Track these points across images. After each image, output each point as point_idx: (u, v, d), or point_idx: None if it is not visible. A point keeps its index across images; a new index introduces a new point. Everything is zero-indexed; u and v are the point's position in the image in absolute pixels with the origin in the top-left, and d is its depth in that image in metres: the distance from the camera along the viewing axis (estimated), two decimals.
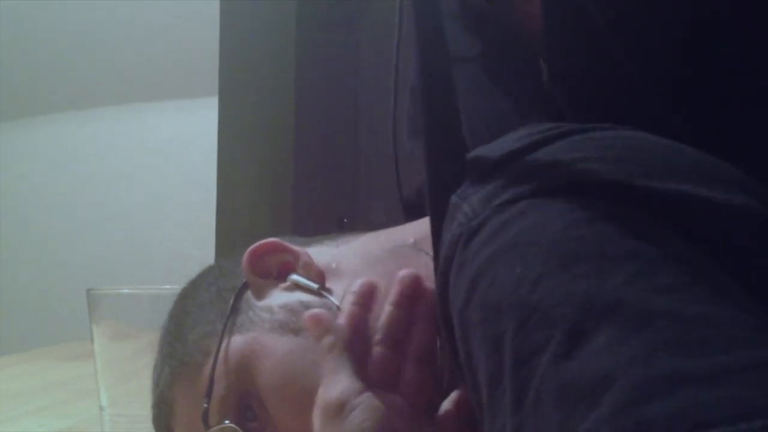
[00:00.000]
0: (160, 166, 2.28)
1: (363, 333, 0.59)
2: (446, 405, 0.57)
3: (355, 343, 0.58)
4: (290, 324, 0.62)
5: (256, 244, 0.67)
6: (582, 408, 0.34)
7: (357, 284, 0.61)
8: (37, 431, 0.97)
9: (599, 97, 0.58)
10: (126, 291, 0.83)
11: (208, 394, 0.63)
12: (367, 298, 0.60)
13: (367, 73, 2.44)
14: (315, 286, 0.64)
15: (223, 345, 0.63)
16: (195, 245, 2.13)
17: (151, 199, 2.29)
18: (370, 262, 0.65)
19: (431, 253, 0.62)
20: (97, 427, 0.86)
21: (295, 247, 0.67)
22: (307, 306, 0.62)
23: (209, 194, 2.03)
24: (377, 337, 0.58)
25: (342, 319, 0.59)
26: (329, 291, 0.63)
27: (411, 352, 0.58)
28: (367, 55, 2.36)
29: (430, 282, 0.58)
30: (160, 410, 0.67)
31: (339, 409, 0.54)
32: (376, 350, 0.58)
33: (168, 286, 0.78)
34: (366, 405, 0.54)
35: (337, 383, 0.55)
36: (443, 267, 0.48)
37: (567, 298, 0.38)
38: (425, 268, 0.62)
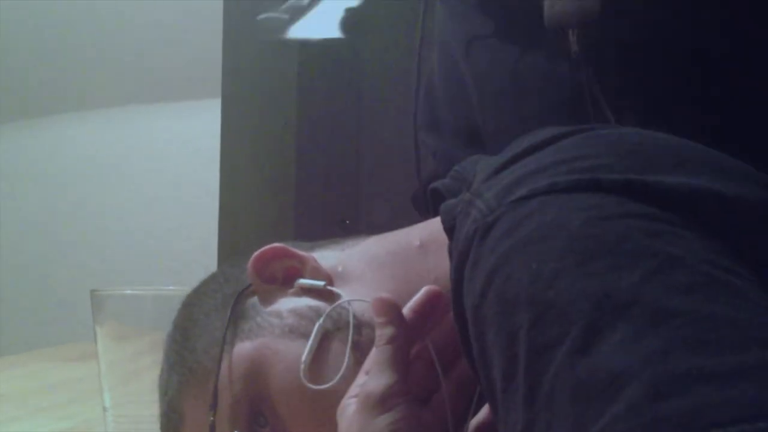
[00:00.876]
0: (162, 168, 2.28)
1: (417, 339, 0.59)
2: (470, 428, 0.57)
3: (408, 346, 0.58)
4: (301, 328, 0.62)
5: (261, 249, 0.67)
6: (597, 404, 0.34)
7: (423, 291, 0.60)
8: (42, 431, 0.97)
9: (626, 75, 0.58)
10: (129, 292, 0.83)
11: (213, 407, 0.62)
12: (431, 307, 0.60)
13: (370, 75, 2.44)
14: (322, 284, 0.63)
15: (232, 351, 0.63)
16: (197, 247, 2.13)
17: (153, 201, 2.29)
18: (377, 266, 0.65)
19: (438, 255, 0.62)
20: (99, 428, 0.86)
21: (302, 252, 0.66)
22: (316, 310, 0.63)
23: (212, 196, 2.03)
24: (428, 351, 0.58)
25: (409, 316, 0.59)
26: (338, 295, 0.63)
27: (454, 377, 0.58)
28: (371, 56, 2.36)
29: (441, 282, 0.58)
30: (170, 419, 0.67)
31: (380, 402, 0.54)
32: (421, 363, 0.58)
33: (171, 287, 0.78)
34: (403, 409, 0.54)
35: (384, 377, 0.55)
36: (457, 262, 0.48)
37: (583, 295, 0.38)
38: (432, 271, 0.62)
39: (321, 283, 0.64)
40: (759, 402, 0.31)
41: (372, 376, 0.56)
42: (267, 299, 0.65)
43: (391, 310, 0.58)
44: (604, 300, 0.37)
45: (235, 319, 0.65)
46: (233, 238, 2.08)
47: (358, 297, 0.63)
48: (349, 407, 0.56)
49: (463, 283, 0.47)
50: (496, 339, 0.42)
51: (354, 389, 0.57)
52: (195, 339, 0.67)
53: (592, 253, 0.40)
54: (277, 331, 0.62)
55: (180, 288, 0.74)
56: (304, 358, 0.60)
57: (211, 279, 0.72)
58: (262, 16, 1.95)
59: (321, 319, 0.61)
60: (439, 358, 0.58)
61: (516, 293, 0.41)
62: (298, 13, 2.05)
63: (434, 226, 0.62)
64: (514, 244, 0.43)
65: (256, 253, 0.67)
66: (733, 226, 0.43)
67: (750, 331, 0.35)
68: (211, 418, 0.62)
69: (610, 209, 0.43)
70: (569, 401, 0.36)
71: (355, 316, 0.62)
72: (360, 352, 0.60)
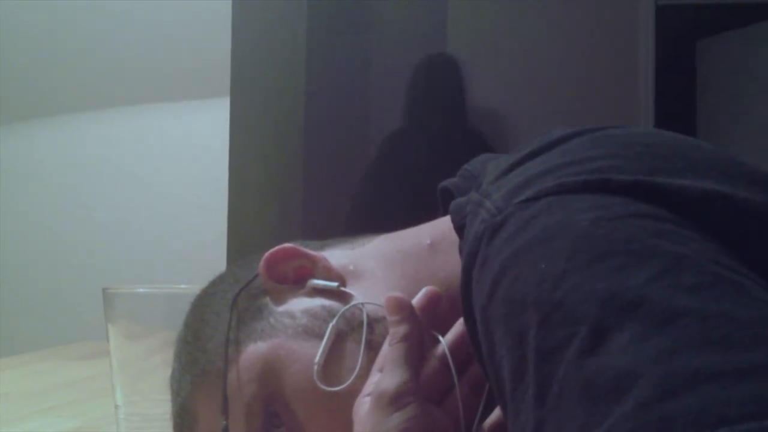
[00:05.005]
0: (171, 167, 2.29)
1: (428, 338, 0.59)
2: (485, 429, 0.57)
3: (422, 345, 0.58)
4: (315, 329, 0.62)
5: (272, 250, 0.67)
6: (605, 404, 0.34)
7: (422, 292, 0.61)
8: (50, 430, 0.98)
9: None
10: (142, 290, 0.83)
11: (225, 411, 0.63)
12: (433, 307, 0.60)
13: (377, 74, 2.44)
14: (335, 284, 0.64)
15: (245, 352, 0.63)
16: (206, 245, 2.14)
17: (162, 200, 2.29)
18: (388, 264, 0.65)
19: (448, 253, 0.62)
20: (109, 427, 0.86)
21: (313, 252, 0.67)
22: (329, 310, 0.63)
23: (220, 195, 2.03)
24: (441, 351, 0.59)
25: (421, 315, 0.59)
26: (350, 295, 0.63)
27: (467, 377, 0.58)
28: (378, 56, 2.37)
29: (452, 281, 0.59)
30: (183, 420, 0.67)
31: (393, 400, 0.55)
32: (435, 362, 0.58)
33: (183, 286, 0.79)
34: (416, 407, 0.55)
35: (398, 374, 0.56)
36: (466, 263, 0.48)
37: (591, 295, 0.38)
38: (442, 270, 0.63)
39: (334, 284, 0.64)
40: (766, 400, 0.31)
41: (385, 374, 0.56)
42: (279, 299, 0.65)
43: (404, 308, 0.59)
44: (612, 300, 0.38)
45: (248, 319, 0.65)
46: (242, 237, 2.09)
47: (369, 295, 0.63)
48: (363, 406, 0.56)
49: (472, 284, 0.48)
50: (504, 340, 0.42)
51: (368, 387, 0.57)
52: (206, 339, 0.67)
53: (600, 253, 0.40)
54: (291, 332, 0.62)
55: (192, 287, 0.74)
56: (317, 359, 0.60)
57: (221, 279, 0.72)
58: None
59: (334, 320, 0.62)
60: (453, 358, 0.58)
61: (524, 294, 0.42)
62: None
63: (444, 224, 0.63)
64: (521, 245, 0.44)
65: (267, 254, 0.67)
66: (740, 229, 0.43)
67: (757, 330, 0.35)
68: (224, 422, 0.62)
69: (618, 210, 0.43)
70: (578, 401, 0.36)
71: (368, 315, 0.62)
72: (374, 351, 0.60)
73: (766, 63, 4.32)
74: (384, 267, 0.65)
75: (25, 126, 2.46)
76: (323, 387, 0.59)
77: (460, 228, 0.54)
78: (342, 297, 0.64)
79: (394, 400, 0.54)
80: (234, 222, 2.07)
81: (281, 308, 0.65)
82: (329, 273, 0.65)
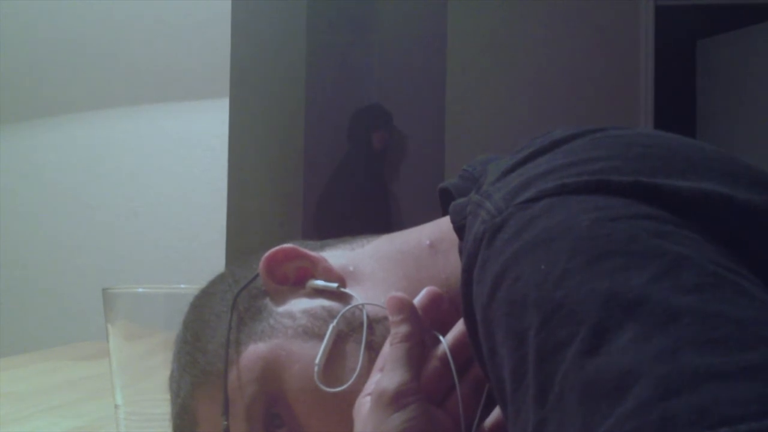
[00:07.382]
0: (171, 167, 2.29)
1: (429, 338, 0.59)
2: (485, 428, 0.57)
3: (423, 345, 0.59)
4: (314, 329, 0.62)
5: (273, 250, 0.67)
6: (606, 403, 0.34)
7: (424, 292, 0.61)
8: (50, 430, 0.98)
9: None
10: (141, 290, 0.83)
11: (226, 412, 0.63)
12: (436, 307, 0.60)
13: (376, 74, 2.45)
14: (335, 285, 0.64)
15: (245, 353, 0.63)
16: (206, 245, 2.14)
17: (162, 199, 2.29)
18: (388, 265, 0.65)
19: (448, 254, 0.62)
20: (109, 427, 0.86)
21: (312, 253, 0.66)
22: (329, 311, 0.63)
23: (220, 195, 2.03)
24: (442, 351, 0.59)
25: (423, 316, 0.59)
26: (350, 296, 0.64)
27: (469, 378, 0.58)
28: (377, 56, 2.37)
29: (452, 281, 0.59)
30: (183, 420, 0.67)
31: (393, 400, 0.55)
32: (436, 363, 0.58)
33: (183, 286, 0.79)
34: (417, 407, 0.55)
35: (398, 374, 0.56)
36: (466, 264, 0.48)
37: (592, 295, 0.38)
38: (443, 271, 0.63)
39: (334, 285, 0.64)
40: (766, 399, 0.31)
41: (386, 374, 0.56)
42: (279, 300, 0.65)
43: (406, 308, 0.59)
44: (613, 300, 0.37)
45: (248, 320, 0.65)
46: (241, 236, 2.09)
47: (369, 296, 0.63)
48: (364, 405, 0.56)
49: (472, 284, 0.48)
50: (505, 340, 0.42)
51: (369, 387, 0.57)
52: (207, 340, 0.66)
53: (601, 253, 0.40)
54: (290, 332, 0.62)
55: (192, 287, 0.74)
56: (317, 360, 0.60)
57: (220, 279, 0.71)
58: None
59: (335, 321, 0.62)
60: (453, 358, 0.58)
61: (525, 294, 0.42)
62: None
63: (444, 225, 0.63)
64: (522, 246, 0.44)
65: (267, 254, 0.66)
66: (741, 230, 0.43)
67: (758, 330, 0.35)
68: (225, 422, 0.62)
69: (618, 210, 0.43)
70: (579, 401, 0.36)
71: (368, 316, 0.62)
72: (374, 351, 0.60)
73: (765, 63, 4.32)
74: (384, 268, 0.65)
75: (25, 126, 2.46)
76: (324, 387, 0.59)
77: (459, 229, 0.54)
78: (342, 298, 0.64)
79: (394, 400, 0.55)
80: (233, 222, 2.07)
81: (281, 309, 0.65)
82: (329, 274, 0.65)
